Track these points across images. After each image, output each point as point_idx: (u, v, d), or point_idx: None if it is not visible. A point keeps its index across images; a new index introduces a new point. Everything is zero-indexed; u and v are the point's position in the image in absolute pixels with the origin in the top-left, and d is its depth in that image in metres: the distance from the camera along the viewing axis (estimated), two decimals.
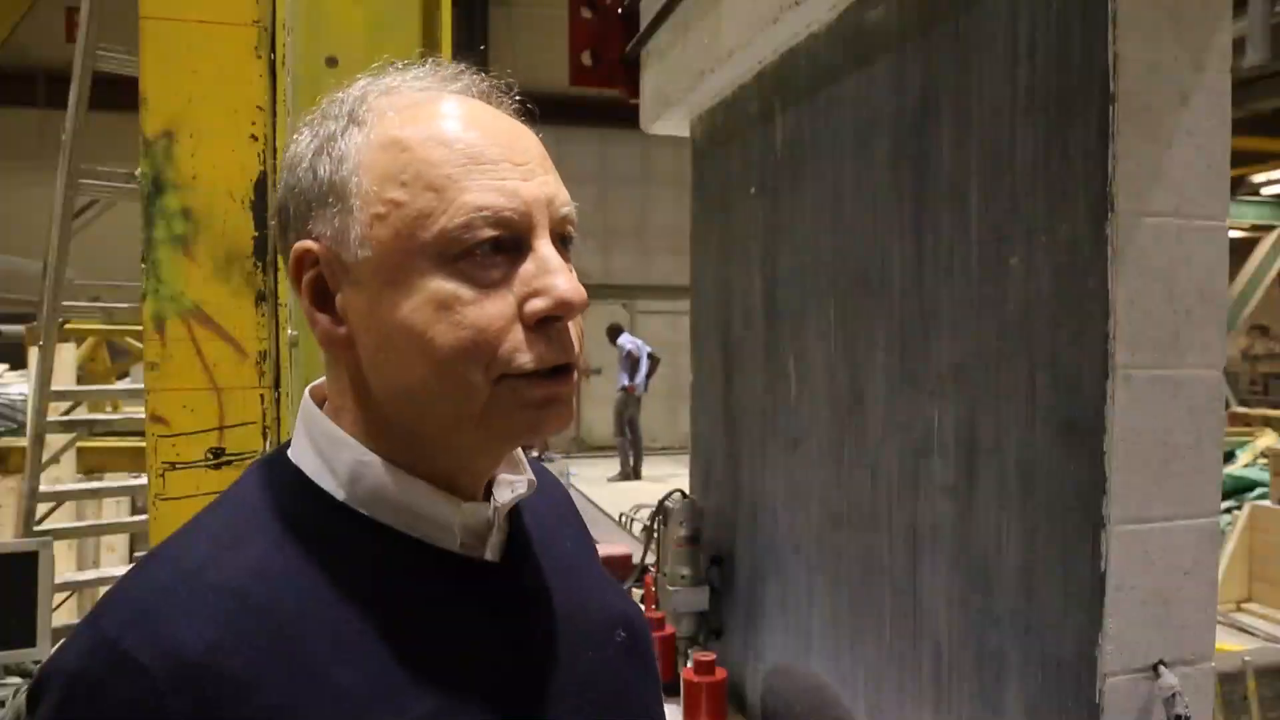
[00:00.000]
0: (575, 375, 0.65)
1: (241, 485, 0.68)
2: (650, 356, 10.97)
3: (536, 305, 0.62)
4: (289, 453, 0.69)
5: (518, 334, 0.62)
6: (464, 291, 0.61)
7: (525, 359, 0.62)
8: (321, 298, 0.65)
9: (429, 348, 0.61)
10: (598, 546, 1.04)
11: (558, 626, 0.71)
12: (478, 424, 0.63)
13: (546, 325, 0.62)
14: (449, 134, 0.63)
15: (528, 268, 0.63)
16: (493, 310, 0.61)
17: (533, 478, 0.73)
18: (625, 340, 10.97)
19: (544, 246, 0.63)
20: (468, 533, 0.67)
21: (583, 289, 0.63)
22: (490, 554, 0.69)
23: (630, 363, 10.86)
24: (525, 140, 0.66)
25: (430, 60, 0.71)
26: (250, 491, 0.67)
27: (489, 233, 0.61)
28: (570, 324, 0.64)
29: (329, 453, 0.66)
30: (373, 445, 0.65)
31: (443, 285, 0.61)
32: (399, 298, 0.61)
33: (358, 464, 0.65)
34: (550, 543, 0.76)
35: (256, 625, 0.58)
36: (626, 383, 10.86)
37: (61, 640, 0.59)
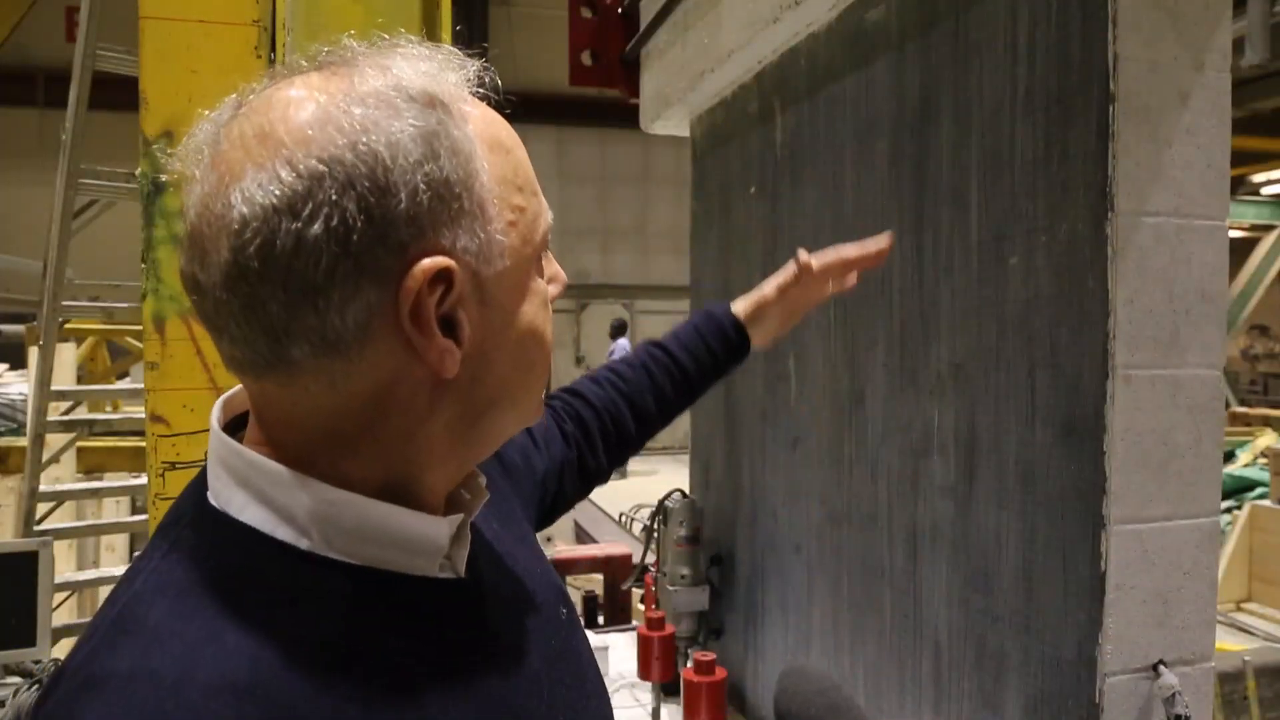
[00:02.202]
0: None
1: (177, 559, 0.56)
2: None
3: (553, 291, 0.67)
4: (214, 504, 0.58)
5: None
6: (548, 287, 0.66)
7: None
8: (444, 324, 0.56)
9: (546, 343, 0.65)
10: (598, 546, 1.05)
11: (528, 625, 0.70)
12: (539, 401, 0.68)
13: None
14: (513, 136, 0.63)
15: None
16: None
17: (483, 475, 0.70)
18: (625, 344, 10.94)
19: None
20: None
21: None
22: (461, 569, 0.65)
23: None
24: None
25: (417, 40, 0.63)
26: (195, 564, 0.55)
27: None
28: None
29: (282, 499, 0.56)
30: (333, 480, 0.57)
31: (542, 284, 0.65)
32: (524, 303, 0.62)
33: (325, 505, 0.56)
34: (485, 532, 0.73)
35: (271, 719, 0.50)
36: None
37: None
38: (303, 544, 0.56)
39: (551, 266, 0.68)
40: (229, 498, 0.57)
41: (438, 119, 0.55)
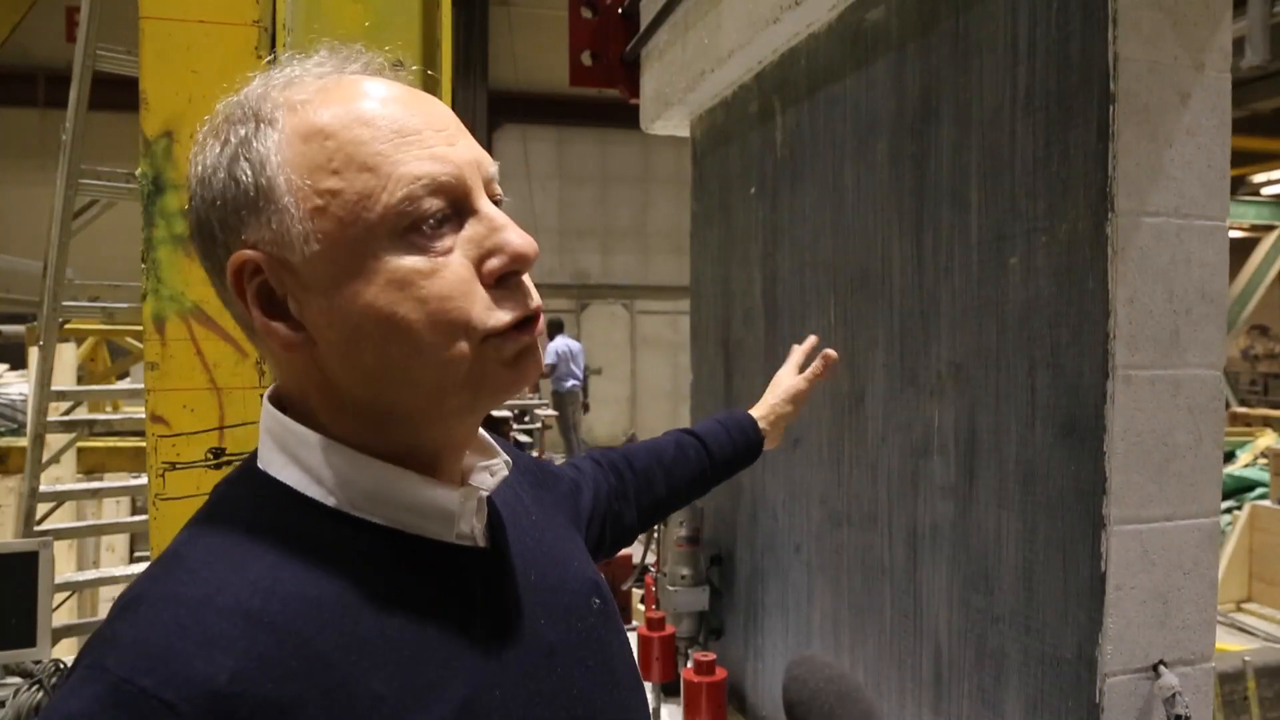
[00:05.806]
0: (540, 322, 0.66)
1: (219, 509, 0.65)
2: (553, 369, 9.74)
3: (494, 264, 0.63)
4: (260, 467, 0.66)
5: (483, 295, 0.63)
6: (420, 264, 0.61)
7: (501, 317, 0.63)
8: (271, 306, 0.63)
9: (402, 327, 0.60)
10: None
11: (547, 603, 0.72)
12: (463, 388, 0.63)
13: (507, 280, 0.64)
14: (368, 112, 0.62)
15: (477, 229, 0.64)
16: (452, 277, 0.62)
17: (508, 459, 0.74)
18: (563, 342, 9.80)
19: (485, 205, 0.65)
20: (461, 520, 0.67)
21: (532, 239, 0.65)
22: (481, 540, 0.70)
23: (566, 366, 9.99)
24: (438, 108, 0.66)
25: (324, 46, 0.69)
26: (234, 513, 0.63)
27: (432, 202, 0.61)
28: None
29: (311, 461, 0.64)
30: (354, 443, 0.64)
31: (399, 263, 0.61)
32: (359, 285, 0.60)
33: (346, 468, 0.63)
34: (519, 518, 0.77)
35: (278, 646, 0.56)
36: (574, 382, 9.87)
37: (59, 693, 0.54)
38: (330, 502, 0.63)
39: (492, 239, 0.63)
40: (270, 459, 0.65)
41: (252, 130, 0.62)
